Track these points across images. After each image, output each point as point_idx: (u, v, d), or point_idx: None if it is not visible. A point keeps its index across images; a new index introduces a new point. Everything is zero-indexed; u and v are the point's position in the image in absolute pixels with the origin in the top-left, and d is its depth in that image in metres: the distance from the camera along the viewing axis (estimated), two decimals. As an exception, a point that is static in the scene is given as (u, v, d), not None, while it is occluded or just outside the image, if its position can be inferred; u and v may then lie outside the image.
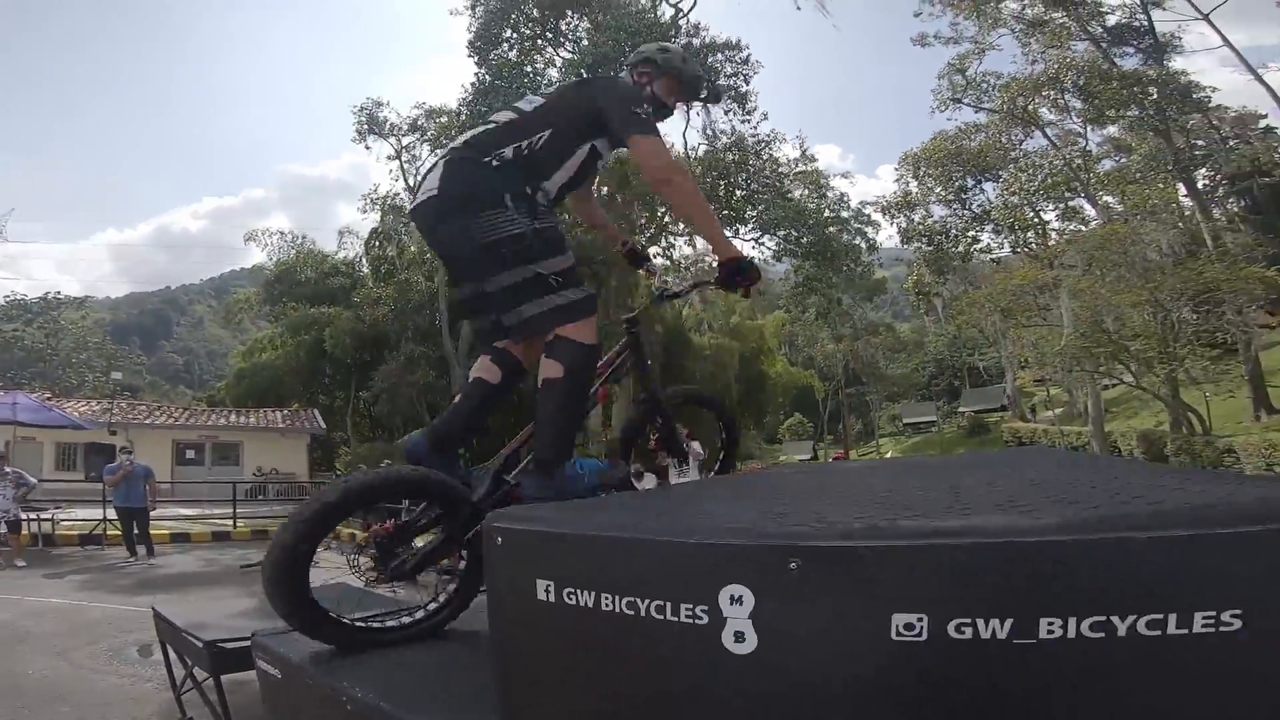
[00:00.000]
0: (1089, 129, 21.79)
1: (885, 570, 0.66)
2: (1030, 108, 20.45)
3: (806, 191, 17.10)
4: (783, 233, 16.02)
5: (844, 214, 18.08)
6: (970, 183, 21.33)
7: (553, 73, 17.40)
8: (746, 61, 17.38)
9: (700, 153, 17.12)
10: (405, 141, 23.51)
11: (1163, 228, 15.58)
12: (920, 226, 22.92)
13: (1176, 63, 22.86)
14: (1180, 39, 23.70)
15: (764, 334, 47.38)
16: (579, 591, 0.84)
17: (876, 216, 21.33)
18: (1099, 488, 0.96)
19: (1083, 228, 20.63)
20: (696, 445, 8.60)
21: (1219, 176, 27.28)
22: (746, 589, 0.70)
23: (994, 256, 23.69)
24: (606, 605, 0.80)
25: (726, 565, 0.72)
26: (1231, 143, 27.59)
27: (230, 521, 11.53)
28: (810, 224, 15.99)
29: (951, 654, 0.63)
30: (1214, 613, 0.57)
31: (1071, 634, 0.59)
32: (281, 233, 31.69)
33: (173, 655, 2.92)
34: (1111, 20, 22.84)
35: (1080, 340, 14.37)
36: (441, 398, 26.66)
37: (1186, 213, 22.49)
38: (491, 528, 1.00)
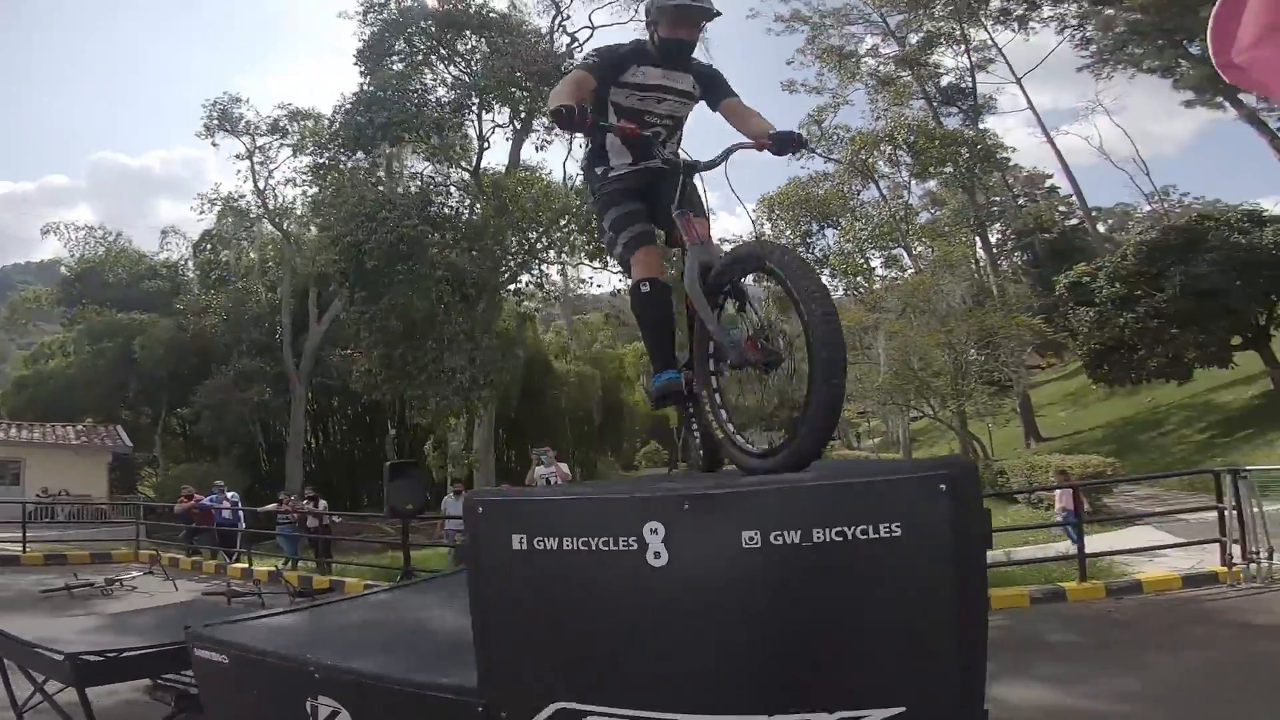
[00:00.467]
0: (913, 183, 25.33)
1: (735, 507, 1.18)
2: (869, 160, 23.50)
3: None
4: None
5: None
6: (815, 228, 23.98)
7: (441, 90, 17.28)
8: None
9: (578, 182, 17.89)
10: (260, 142, 21.81)
11: (958, 279, 18.60)
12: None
13: (989, 122, 27.38)
14: (996, 100, 28.48)
15: (623, 363, 48.70)
16: (546, 539, 1.27)
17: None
18: (844, 466, 1.59)
19: (900, 275, 23.90)
20: (564, 466, 9.01)
21: (1009, 231, 32.82)
22: (660, 523, 1.18)
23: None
24: (568, 546, 1.25)
25: (647, 509, 1.20)
26: (1021, 201, 33.37)
27: (19, 546, 10.53)
28: (673, 259, 17.13)
29: (773, 553, 1.15)
30: (889, 524, 1.14)
31: (825, 538, 1.14)
32: (90, 227, 27.80)
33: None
34: (945, 81, 27.08)
35: (893, 377, 16.80)
36: (279, 417, 24.52)
37: (982, 264, 26.79)
38: (472, 502, 1.40)
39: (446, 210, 15.51)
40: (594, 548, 1.23)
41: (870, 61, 26.39)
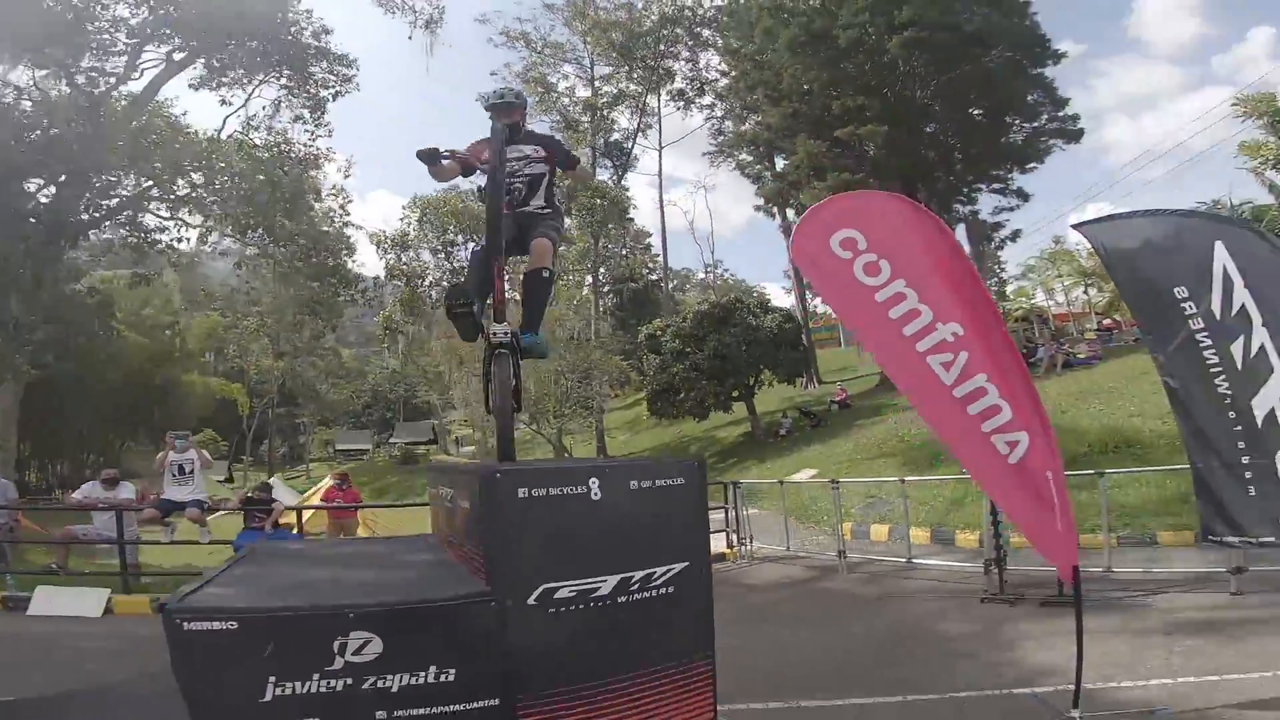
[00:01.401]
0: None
1: (626, 470, 2.53)
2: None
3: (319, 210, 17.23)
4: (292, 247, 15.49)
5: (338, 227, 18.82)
6: (461, 239, 25.07)
7: None
8: (349, 80, 16.80)
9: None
10: None
11: (579, 315, 22.23)
12: (405, 266, 25.23)
13: (629, 179, 32.61)
14: (638, 160, 34.04)
15: (185, 336, 41.23)
16: (536, 490, 2.35)
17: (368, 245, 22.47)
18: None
19: None
20: (206, 453, 8.33)
21: (608, 277, 39.36)
22: (596, 478, 2.42)
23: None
24: (551, 493, 2.37)
25: (592, 471, 2.43)
26: (624, 251, 40.40)
27: None
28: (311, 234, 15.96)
29: (638, 492, 2.53)
30: (675, 478, 2.65)
31: (653, 484, 2.59)
32: None
33: None
34: (614, 137, 31.25)
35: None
36: None
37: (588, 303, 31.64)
38: (489, 471, 2.35)
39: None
40: (563, 493, 2.38)
41: (565, 100, 29.47)
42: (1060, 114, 19.01)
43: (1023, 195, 20.65)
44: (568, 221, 32.40)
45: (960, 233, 22.55)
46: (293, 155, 15.10)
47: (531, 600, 2.37)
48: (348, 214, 18.72)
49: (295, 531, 8.41)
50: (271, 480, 17.27)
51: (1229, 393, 4.49)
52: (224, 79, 14.57)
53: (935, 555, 8.95)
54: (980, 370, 3.65)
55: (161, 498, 7.85)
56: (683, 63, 30.99)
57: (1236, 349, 4.47)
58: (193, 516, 7.84)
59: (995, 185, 20.55)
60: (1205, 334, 4.59)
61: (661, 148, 31.64)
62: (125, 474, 10.21)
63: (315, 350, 45.15)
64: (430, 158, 3.50)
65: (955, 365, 3.66)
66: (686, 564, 2.68)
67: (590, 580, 2.45)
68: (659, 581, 2.62)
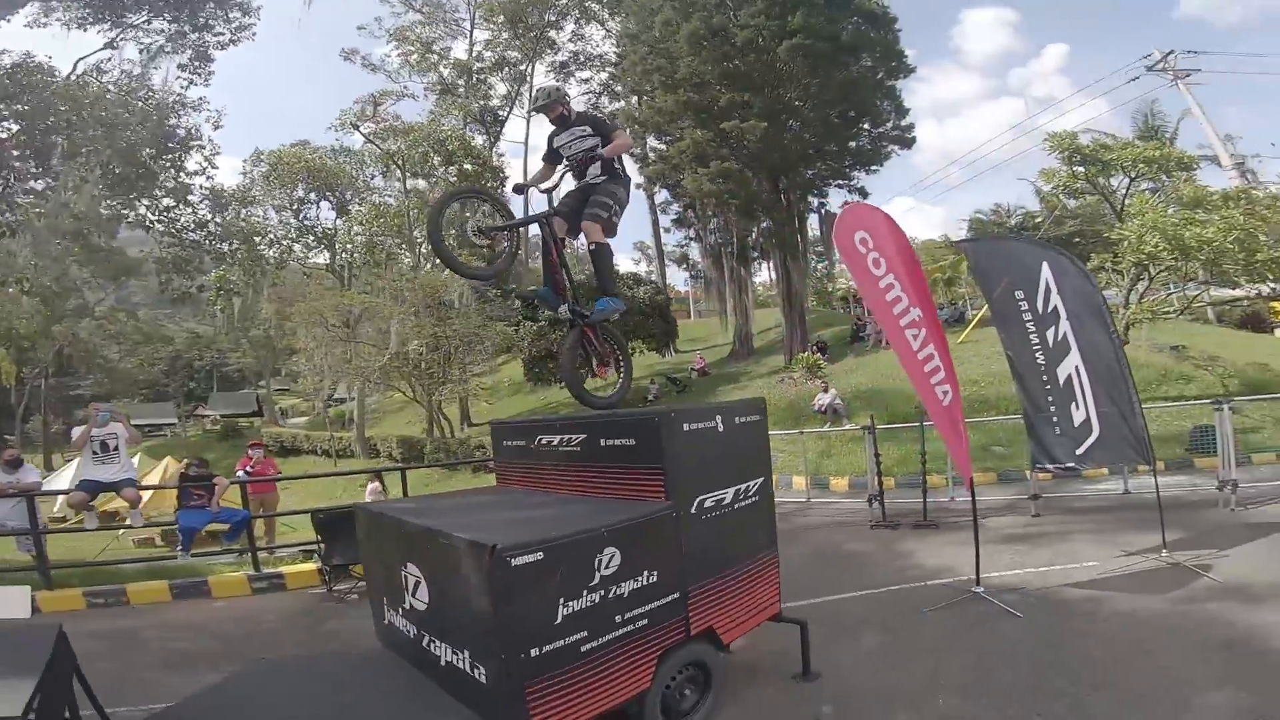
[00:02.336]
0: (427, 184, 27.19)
1: (727, 409, 3.53)
2: (399, 156, 24.33)
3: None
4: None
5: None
6: (314, 197, 23.08)
7: None
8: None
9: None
10: None
11: (455, 282, 21.72)
12: (241, 224, 22.81)
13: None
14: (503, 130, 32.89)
15: None
16: (695, 425, 3.26)
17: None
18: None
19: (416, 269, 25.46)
20: (134, 428, 7.65)
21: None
22: (719, 415, 3.44)
23: (306, 269, 25.88)
24: (703, 427, 3.30)
25: (716, 410, 3.39)
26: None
27: None
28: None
29: (728, 430, 3.51)
30: (751, 415, 3.69)
31: (737, 422, 3.60)
32: None
33: None
34: (493, 103, 29.82)
35: (392, 360, 18.46)
36: None
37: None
38: (665, 415, 3.17)
39: None
40: (704, 427, 3.28)
41: (445, 71, 27.82)
42: (902, 123, 22.18)
43: (863, 192, 23.98)
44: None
45: (813, 222, 25.67)
46: (164, 101, 13.17)
47: (693, 509, 3.25)
48: (215, 166, 16.77)
49: (242, 508, 7.89)
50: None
51: (1043, 363, 6.33)
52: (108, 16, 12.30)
53: (818, 497, 10.78)
54: (930, 343, 5.14)
55: (83, 479, 6.94)
56: (567, 35, 30.96)
57: (1050, 334, 6.31)
58: (130, 498, 7.06)
59: (843, 182, 23.48)
60: (1032, 323, 6.40)
61: (530, 115, 31.29)
62: None
63: (93, 313, 38.81)
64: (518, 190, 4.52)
65: (919, 339, 5.11)
66: (763, 479, 3.71)
67: (721, 491, 3.41)
68: (752, 492, 3.64)
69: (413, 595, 3.11)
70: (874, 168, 22.98)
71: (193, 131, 18.68)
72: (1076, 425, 6.09)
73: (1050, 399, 6.28)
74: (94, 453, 6.86)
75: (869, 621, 4.98)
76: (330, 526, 6.95)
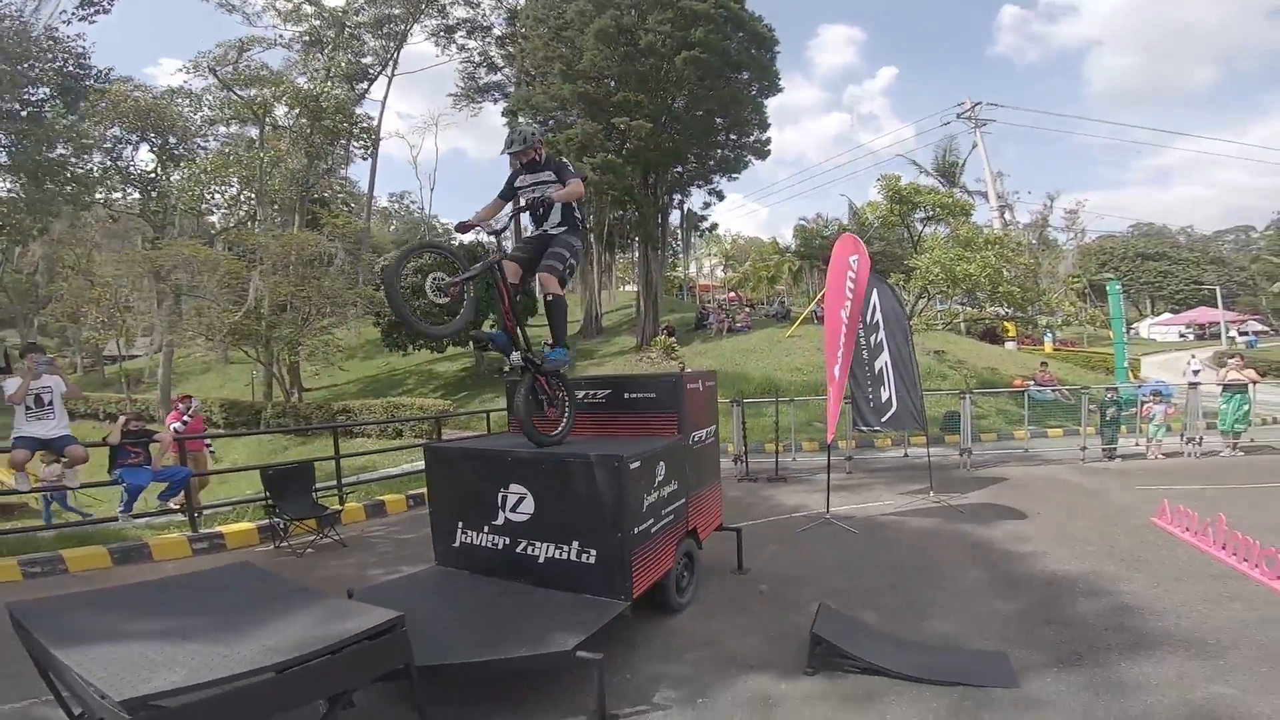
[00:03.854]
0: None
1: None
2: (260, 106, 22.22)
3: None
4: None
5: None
6: (134, 138, 20.24)
7: None
8: None
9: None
10: None
11: (345, 242, 20.64)
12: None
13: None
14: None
15: None
16: (692, 385, 4.86)
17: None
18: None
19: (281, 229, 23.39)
20: (70, 380, 7.34)
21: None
22: (701, 380, 5.08)
23: (113, 212, 22.71)
24: (693, 386, 4.91)
25: (699, 375, 5.04)
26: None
27: None
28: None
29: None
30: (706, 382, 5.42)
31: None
32: None
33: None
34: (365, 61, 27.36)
35: (244, 319, 17.27)
36: None
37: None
38: (706, 378, 4.75)
39: None
40: (697, 386, 5.02)
41: (316, 23, 25.25)
42: (762, 137, 25.06)
43: (720, 195, 27.01)
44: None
45: (675, 218, 28.08)
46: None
47: (690, 442, 4.90)
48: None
49: (182, 464, 7.68)
50: None
51: (865, 358, 8.81)
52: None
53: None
54: (847, 339, 7.32)
55: (19, 435, 6.47)
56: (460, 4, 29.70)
57: (872, 338, 8.81)
58: (77, 455, 6.68)
59: (704, 184, 26.06)
60: (862, 329, 8.86)
61: (392, 75, 29.84)
62: None
63: None
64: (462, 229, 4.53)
65: (844, 336, 7.24)
66: (714, 425, 5.46)
67: (701, 432, 5.09)
68: (711, 435, 5.37)
69: (510, 511, 4.36)
70: (734, 175, 25.83)
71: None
72: (883, 401, 8.62)
73: (869, 383, 8.77)
74: (28, 407, 6.47)
75: (765, 538, 7.02)
76: (279, 483, 7.41)
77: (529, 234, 4.69)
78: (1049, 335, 27.36)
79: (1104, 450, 11.64)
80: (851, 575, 5.81)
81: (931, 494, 8.96)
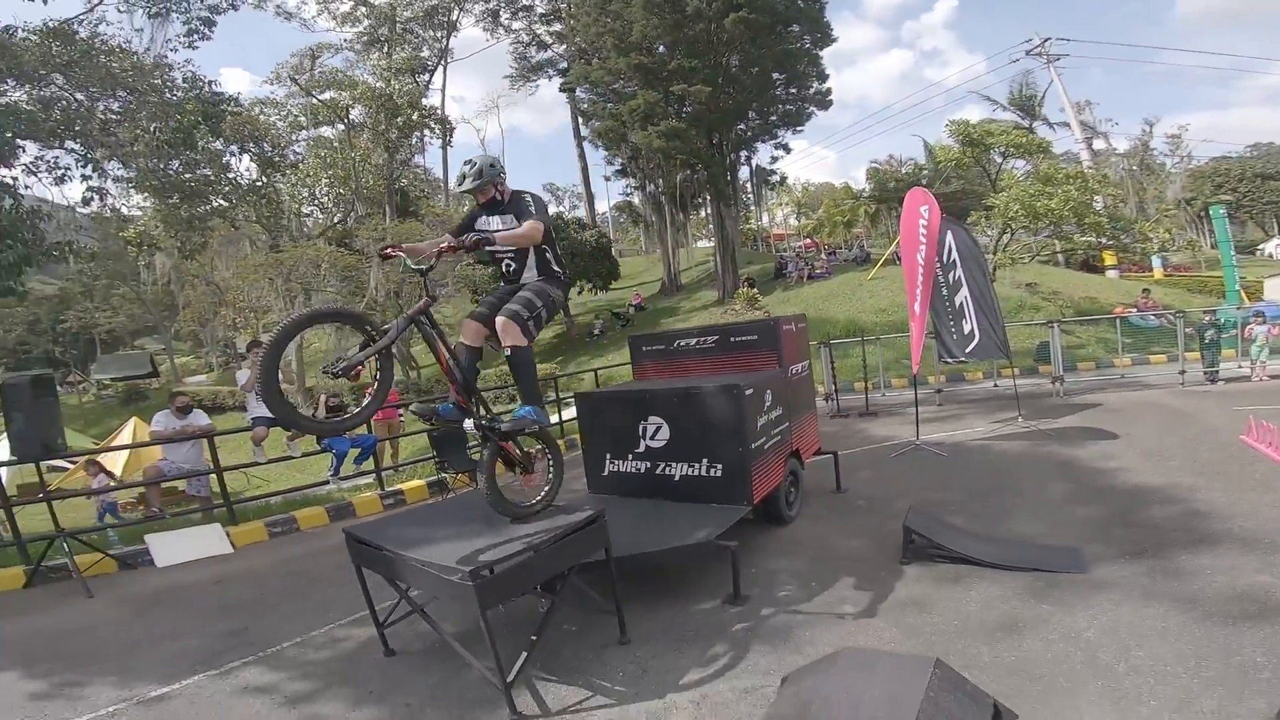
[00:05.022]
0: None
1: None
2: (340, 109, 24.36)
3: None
4: None
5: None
6: (235, 150, 22.87)
7: None
8: None
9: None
10: None
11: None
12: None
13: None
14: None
15: None
16: (788, 326, 5.75)
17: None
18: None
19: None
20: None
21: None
22: (795, 322, 6.03)
23: (235, 223, 25.50)
24: (788, 328, 5.81)
25: (793, 319, 5.97)
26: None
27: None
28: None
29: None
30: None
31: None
32: None
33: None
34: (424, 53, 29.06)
35: (369, 307, 19.38)
36: None
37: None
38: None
39: None
40: (792, 328, 5.98)
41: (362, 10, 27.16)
42: (822, 88, 24.79)
43: (787, 148, 26.97)
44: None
45: (744, 173, 28.30)
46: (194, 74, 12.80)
47: (789, 375, 5.83)
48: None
49: (367, 433, 9.15)
50: None
51: (945, 295, 9.27)
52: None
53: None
54: (924, 282, 7.94)
55: (255, 416, 8.01)
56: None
57: (950, 275, 9.24)
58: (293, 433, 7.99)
59: (769, 139, 26.08)
60: (939, 268, 9.30)
61: (447, 64, 31.33)
62: None
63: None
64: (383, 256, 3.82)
65: (920, 279, 7.90)
66: (807, 362, 6.34)
67: (797, 366, 6.00)
68: (805, 370, 6.25)
69: (650, 439, 5.42)
70: (798, 129, 25.66)
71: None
72: (965, 334, 9.09)
73: (950, 317, 9.25)
74: (256, 393, 7.90)
75: (860, 464, 7.85)
76: (442, 441, 8.79)
77: (499, 289, 4.00)
78: (1159, 261, 25.83)
79: (1205, 373, 11.53)
80: (940, 490, 6.58)
81: (1021, 420, 9.42)
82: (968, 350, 9.10)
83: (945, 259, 9.23)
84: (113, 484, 10.38)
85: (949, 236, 9.27)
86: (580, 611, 4.37)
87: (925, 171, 30.42)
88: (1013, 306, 17.99)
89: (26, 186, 11.67)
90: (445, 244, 3.48)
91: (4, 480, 13.57)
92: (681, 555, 4.55)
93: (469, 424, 3.72)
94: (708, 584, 4.70)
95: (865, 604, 4.22)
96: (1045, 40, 29.11)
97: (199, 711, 3.62)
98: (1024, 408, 10.05)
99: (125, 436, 15.06)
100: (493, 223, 3.83)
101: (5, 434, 7.74)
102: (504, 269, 3.94)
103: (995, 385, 12.88)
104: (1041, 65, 29.52)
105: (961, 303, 9.20)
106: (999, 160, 16.47)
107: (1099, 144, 33.90)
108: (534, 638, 3.54)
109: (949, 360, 9.67)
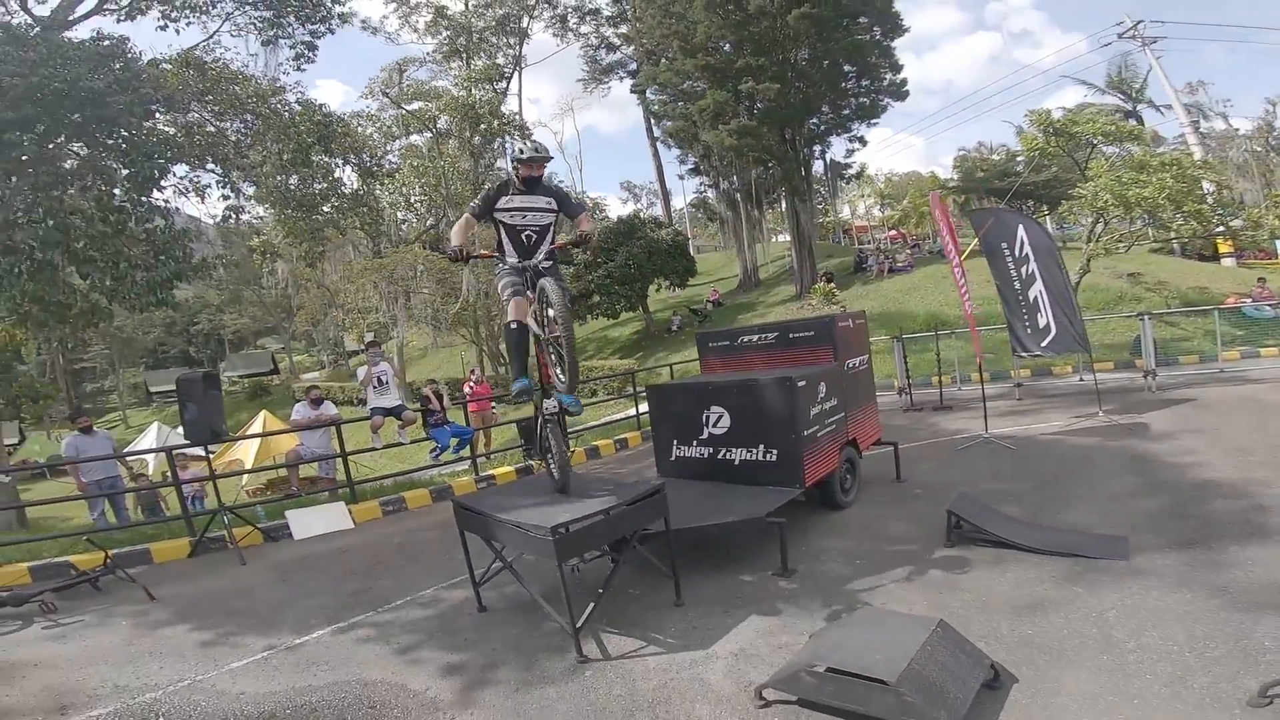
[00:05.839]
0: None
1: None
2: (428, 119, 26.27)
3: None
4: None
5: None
6: (339, 162, 25.28)
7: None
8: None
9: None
10: None
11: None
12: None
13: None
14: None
15: None
16: (844, 323, 6.14)
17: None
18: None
19: None
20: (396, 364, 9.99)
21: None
22: (852, 319, 6.41)
23: (340, 229, 27.96)
24: (843, 325, 6.23)
25: (848, 315, 6.31)
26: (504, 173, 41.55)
27: None
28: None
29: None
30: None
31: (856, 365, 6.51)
32: None
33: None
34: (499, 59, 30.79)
35: (463, 307, 21.00)
36: None
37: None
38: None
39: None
40: (848, 324, 6.39)
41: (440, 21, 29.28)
42: (896, 78, 24.22)
43: (863, 141, 26.43)
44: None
45: (817, 168, 28.05)
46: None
47: (845, 368, 6.20)
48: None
49: (464, 424, 10.11)
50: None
51: (1018, 289, 9.19)
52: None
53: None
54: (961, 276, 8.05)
55: (373, 407, 9.04)
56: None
57: (1023, 269, 9.16)
58: (409, 419, 9.19)
59: (844, 132, 25.72)
60: (1011, 262, 9.23)
61: (522, 69, 32.81)
62: None
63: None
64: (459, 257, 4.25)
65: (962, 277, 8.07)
66: (867, 355, 6.65)
67: (855, 360, 6.37)
68: (864, 363, 6.58)
69: (712, 427, 5.96)
70: (873, 121, 25.20)
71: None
72: (1040, 327, 9.00)
73: (1024, 311, 9.17)
74: (373, 387, 9.15)
75: (925, 456, 8.05)
76: (529, 430, 9.65)
77: (513, 259, 4.33)
78: (1282, 248, 23.47)
79: (1321, 365, 10.73)
80: (1001, 481, 6.72)
81: (1101, 414, 9.23)
82: (1044, 344, 9.01)
83: (1018, 253, 9.19)
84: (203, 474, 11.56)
85: (1021, 230, 9.23)
86: (644, 578, 4.97)
87: (1019, 158, 28.91)
88: (1111, 298, 17.06)
89: (177, 208, 13.30)
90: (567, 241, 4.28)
91: (151, 468, 15.94)
92: (735, 529, 5.06)
93: (550, 403, 4.41)
94: (759, 558, 5.18)
95: (902, 579, 4.58)
96: (1138, 23, 26.94)
97: (330, 654, 4.37)
98: (1111, 402, 9.78)
99: (256, 427, 17.14)
100: (533, 204, 4.23)
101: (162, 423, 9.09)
102: (524, 239, 4.24)
103: (1081, 379, 12.44)
104: (1137, 49, 27.35)
105: (1036, 296, 9.13)
106: (1091, 148, 15.65)
107: (1218, 125, 31.00)
108: (600, 591, 4.19)
109: (1024, 355, 9.58)
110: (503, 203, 4.21)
